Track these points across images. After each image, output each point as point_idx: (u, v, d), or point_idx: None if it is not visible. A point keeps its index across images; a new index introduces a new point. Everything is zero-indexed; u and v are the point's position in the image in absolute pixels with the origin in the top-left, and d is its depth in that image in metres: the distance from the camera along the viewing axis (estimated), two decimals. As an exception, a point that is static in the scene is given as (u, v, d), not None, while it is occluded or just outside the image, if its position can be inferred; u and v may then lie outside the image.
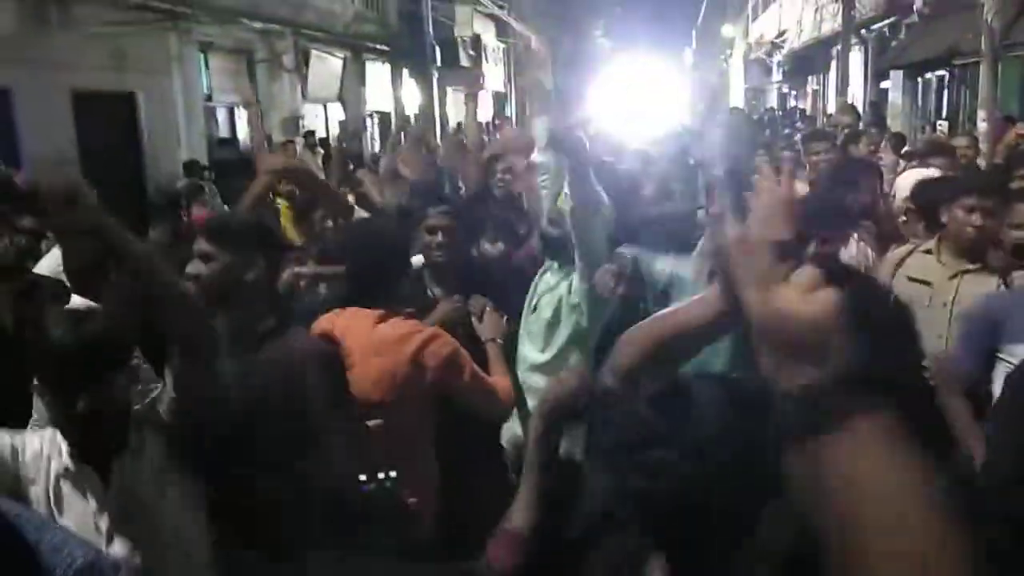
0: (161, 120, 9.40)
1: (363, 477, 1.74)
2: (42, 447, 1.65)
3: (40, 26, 7.37)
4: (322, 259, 2.87)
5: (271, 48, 12.11)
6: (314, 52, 13.28)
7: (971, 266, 2.63)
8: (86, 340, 1.58)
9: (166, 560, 1.66)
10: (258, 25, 11.42)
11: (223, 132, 11.01)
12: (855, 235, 3.09)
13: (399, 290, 2.37)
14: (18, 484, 1.61)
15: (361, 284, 2.33)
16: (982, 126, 8.77)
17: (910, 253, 2.79)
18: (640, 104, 22.54)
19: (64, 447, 1.63)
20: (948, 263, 2.67)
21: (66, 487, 1.63)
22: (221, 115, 11.29)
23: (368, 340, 2.18)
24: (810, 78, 19.91)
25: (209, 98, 10.84)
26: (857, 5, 13.96)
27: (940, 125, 9.63)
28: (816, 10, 16.40)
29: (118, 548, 1.61)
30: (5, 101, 7.22)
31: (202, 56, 10.54)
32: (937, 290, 2.64)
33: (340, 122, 14.87)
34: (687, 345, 1.26)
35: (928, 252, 2.74)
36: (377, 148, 14.71)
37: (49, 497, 1.62)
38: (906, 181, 3.90)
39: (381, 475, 1.72)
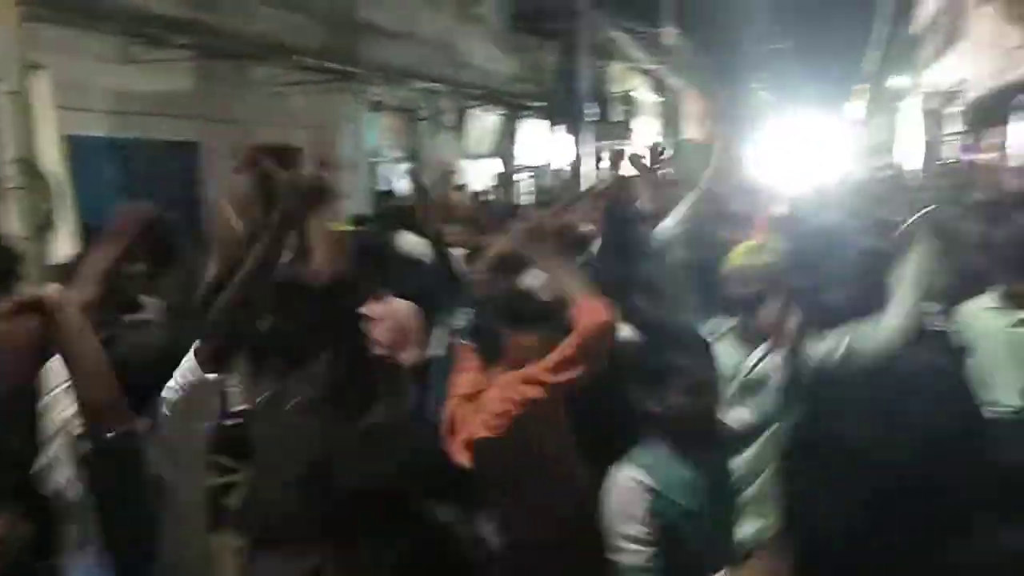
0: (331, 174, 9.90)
1: None
2: None
3: (222, 85, 7.98)
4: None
5: (433, 106, 12.60)
6: (472, 109, 13.71)
7: None
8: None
9: None
10: (423, 85, 11.92)
11: (384, 186, 11.50)
12: None
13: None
14: None
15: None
16: None
17: None
18: (803, 157, 21.72)
19: None
20: None
21: None
22: (384, 169, 11.83)
23: None
24: (992, 129, 18.45)
25: (374, 153, 11.37)
26: (1051, 49, 12.84)
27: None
28: (1001, 56, 15.24)
29: None
30: (194, 153, 7.86)
31: (370, 115, 11.10)
32: None
33: (498, 175, 15.23)
34: None
35: None
36: (529, 200, 14.92)
37: None
38: None
39: None
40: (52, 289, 2.03)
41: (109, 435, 1.90)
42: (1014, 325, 3.30)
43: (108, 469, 1.91)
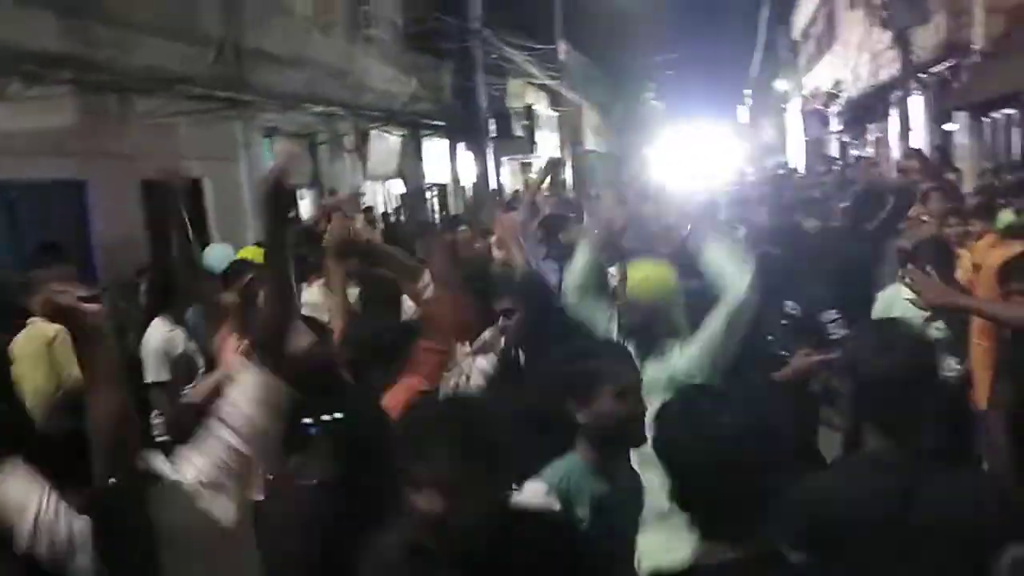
0: (229, 203, 9.70)
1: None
2: None
3: (107, 120, 7.73)
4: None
5: (332, 130, 12.50)
6: (373, 132, 13.66)
7: None
8: None
9: None
10: (319, 109, 11.81)
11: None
12: None
13: None
14: None
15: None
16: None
17: None
18: (698, 162, 22.47)
19: None
20: None
21: None
22: (285, 196, 11.64)
23: None
24: (870, 126, 19.58)
25: (273, 180, 11.19)
26: (915, 49, 13.74)
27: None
28: (872, 57, 16.21)
29: None
30: (80, 192, 7.56)
31: (267, 141, 10.92)
32: None
33: (401, 196, 15.20)
34: None
35: None
36: (437, 219, 14.96)
37: None
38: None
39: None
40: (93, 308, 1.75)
41: (113, 479, 1.69)
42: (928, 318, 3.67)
43: (114, 519, 1.66)
